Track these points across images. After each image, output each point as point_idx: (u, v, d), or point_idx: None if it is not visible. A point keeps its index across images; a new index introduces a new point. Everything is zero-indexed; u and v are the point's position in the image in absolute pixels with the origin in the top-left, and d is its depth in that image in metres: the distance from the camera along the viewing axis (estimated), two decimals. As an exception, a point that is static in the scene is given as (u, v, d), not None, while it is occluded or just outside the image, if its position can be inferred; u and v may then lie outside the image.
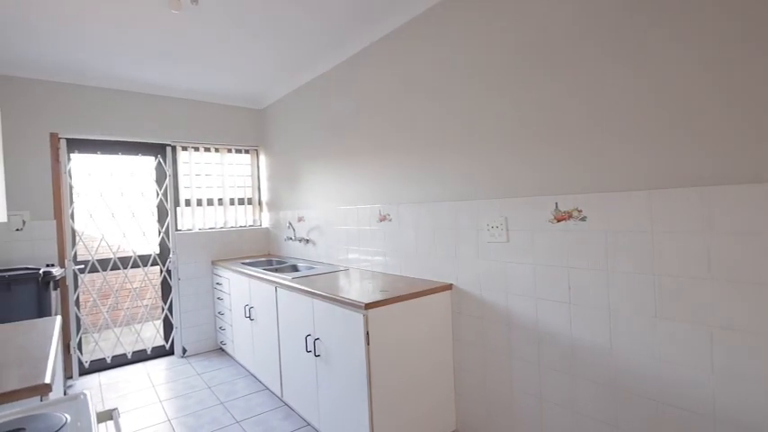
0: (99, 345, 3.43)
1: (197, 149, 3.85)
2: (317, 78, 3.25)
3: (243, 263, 3.57)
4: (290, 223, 3.69)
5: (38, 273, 2.50)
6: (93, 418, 0.94)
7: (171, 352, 3.73)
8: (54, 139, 3.14)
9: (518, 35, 1.81)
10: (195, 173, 3.83)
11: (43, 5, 2.14)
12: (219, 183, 3.98)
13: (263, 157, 4.19)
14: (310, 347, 2.27)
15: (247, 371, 3.29)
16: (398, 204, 2.50)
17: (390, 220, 2.56)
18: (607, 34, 1.51)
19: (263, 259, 3.80)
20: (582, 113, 1.60)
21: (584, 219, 1.61)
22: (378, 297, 1.95)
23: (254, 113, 4.20)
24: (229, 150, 4.05)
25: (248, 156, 4.21)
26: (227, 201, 4.02)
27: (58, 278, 2.66)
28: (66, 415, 0.95)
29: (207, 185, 3.90)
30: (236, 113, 4.07)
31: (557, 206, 1.70)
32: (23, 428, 0.88)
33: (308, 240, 3.51)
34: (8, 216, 2.94)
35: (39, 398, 1.11)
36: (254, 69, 3.20)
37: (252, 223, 4.20)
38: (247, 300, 3.11)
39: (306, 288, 2.29)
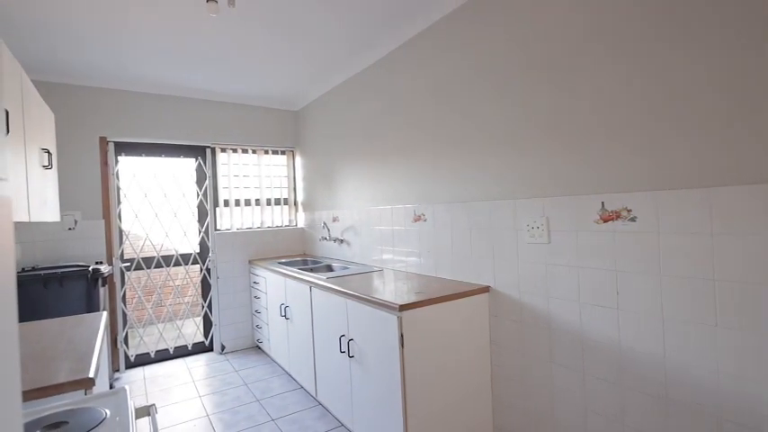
0: (144, 340, 3.59)
1: (235, 151, 3.95)
2: (351, 79, 3.25)
3: (279, 262, 3.63)
4: (324, 223, 3.71)
5: (87, 270, 2.63)
6: (132, 414, 0.96)
7: (210, 348, 3.84)
8: (103, 142, 3.31)
9: (561, 26, 1.71)
10: (234, 174, 3.93)
11: (91, 16, 2.25)
12: (257, 183, 4.07)
13: (298, 158, 4.24)
14: (344, 348, 2.25)
15: (283, 369, 3.34)
16: (434, 204, 2.44)
17: (425, 221, 2.51)
18: (664, 18, 1.40)
19: (298, 259, 3.85)
20: (632, 105, 1.49)
21: (633, 219, 1.50)
22: (413, 298, 1.90)
23: (290, 115, 4.26)
24: (266, 152, 4.14)
25: (284, 157, 4.27)
26: (263, 201, 4.10)
27: (106, 275, 2.80)
28: (107, 410, 0.97)
29: (244, 186, 4.00)
30: (272, 115, 4.14)
31: (603, 205, 1.59)
32: (66, 422, 0.90)
33: (342, 240, 3.51)
34: (61, 216, 3.12)
35: (83, 391, 1.15)
36: (290, 71, 3.24)
37: (288, 223, 4.26)
38: (283, 299, 3.15)
39: (340, 288, 2.28)
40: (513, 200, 1.95)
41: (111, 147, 3.36)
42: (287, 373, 3.26)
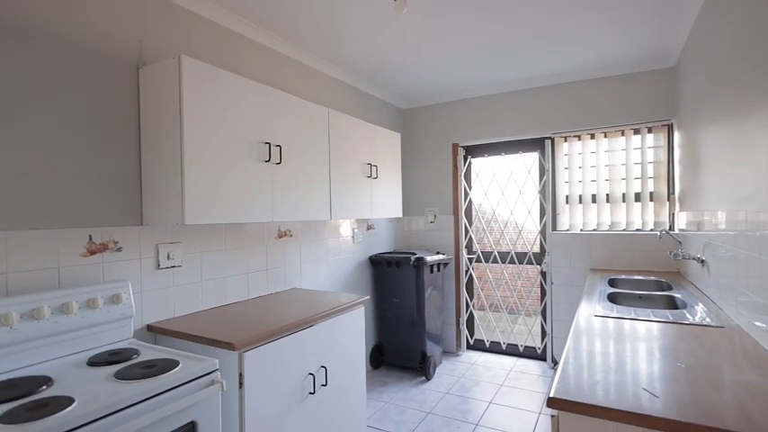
0: (481, 328, 3.84)
1: (579, 138, 3.32)
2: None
3: (614, 278, 2.76)
4: (664, 231, 2.43)
5: (410, 258, 3.20)
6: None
7: (542, 357, 3.52)
8: (455, 148, 3.81)
9: None
10: (577, 165, 3.33)
11: (431, 59, 2.71)
12: (606, 175, 3.23)
13: (677, 134, 2.95)
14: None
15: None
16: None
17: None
18: None
19: (652, 279, 2.74)
20: None
21: None
22: None
23: (662, 75, 3.03)
24: (622, 133, 3.19)
25: (652, 136, 3.11)
26: (616, 196, 3.20)
27: (429, 264, 3.26)
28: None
29: (591, 179, 3.29)
30: (632, 83, 3.12)
31: None
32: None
33: (703, 261, 2.18)
34: (425, 211, 3.91)
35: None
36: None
37: (652, 226, 3.10)
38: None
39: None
40: None
41: (460, 151, 3.81)
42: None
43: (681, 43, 2.66)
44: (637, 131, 3.16)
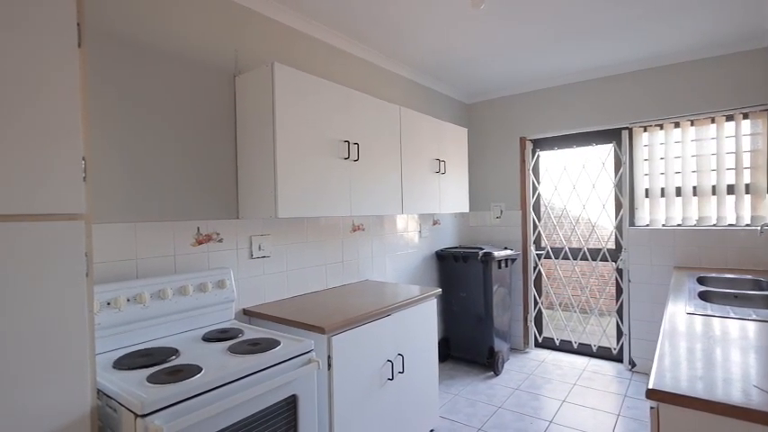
0: (550, 326, 3.73)
1: (661, 127, 3.12)
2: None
3: (704, 276, 2.58)
4: (765, 227, 2.22)
5: (478, 253, 3.19)
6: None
7: (617, 359, 3.36)
8: (522, 141, 3.73)
9: None
10: (659, 156, 3.13)
11: (497, 53, 2.72)
12: (693, 166, 3.01)
13: (779, 120, 2.69)
14: None
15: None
16: None
17: None
18: None
19: (748, 277, 2.53)
20: None
21: None
22: None
23: (760, 56, 2.76)
24: (712, 120, 2.95)
25: (748, 122, 2.85)
26: (705, 189, 2.97)
27: (498, 259, 3.24)
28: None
29: (674, 171, 3.08)
30: (724, 65, 2.87)
31: None
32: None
33: (813, 259, 1.99)
34: (491, 206, 3.87)
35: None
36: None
37: (749, 221, 2.84)
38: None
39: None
40: None
41: (528, 145, 3.73)
42: None
43: (785, 19, 2.41)
44: (730, 118, 2.90)
